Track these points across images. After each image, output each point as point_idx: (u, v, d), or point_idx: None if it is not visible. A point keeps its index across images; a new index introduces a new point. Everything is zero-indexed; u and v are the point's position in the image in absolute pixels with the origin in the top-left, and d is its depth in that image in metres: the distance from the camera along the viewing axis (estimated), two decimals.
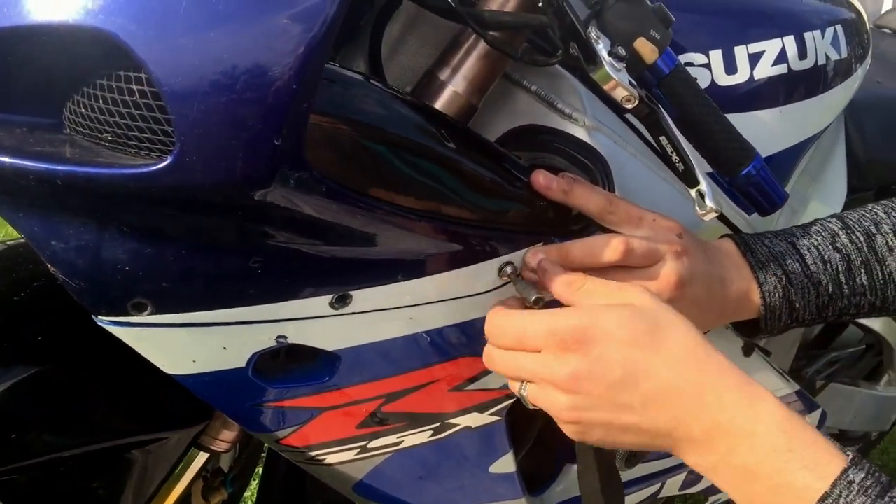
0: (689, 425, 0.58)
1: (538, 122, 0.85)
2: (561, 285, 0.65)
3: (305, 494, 1.17)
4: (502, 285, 0.71)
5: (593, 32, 0.69)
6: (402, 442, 0.78)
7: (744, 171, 0.77)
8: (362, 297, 0.65)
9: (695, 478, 1.10)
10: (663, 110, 0.73)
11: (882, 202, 0.88)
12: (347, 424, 0.74)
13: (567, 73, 0.81)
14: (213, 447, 0.83)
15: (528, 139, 0.84)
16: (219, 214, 0.56)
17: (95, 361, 0.73)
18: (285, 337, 0.64)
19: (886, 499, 0.52)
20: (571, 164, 0.83)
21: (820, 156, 1.26)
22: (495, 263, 0.70)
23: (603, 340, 0.59)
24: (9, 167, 0.53)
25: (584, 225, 0.77)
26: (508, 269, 0.70)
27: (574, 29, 0.68)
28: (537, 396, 0.63)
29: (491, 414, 0.80)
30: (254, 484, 1.57)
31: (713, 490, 1.17)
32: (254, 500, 1.61)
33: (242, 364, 0.65)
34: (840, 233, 0.82)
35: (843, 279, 0.79)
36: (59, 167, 0.54)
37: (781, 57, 0.93)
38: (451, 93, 0.73)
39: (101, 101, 0.56)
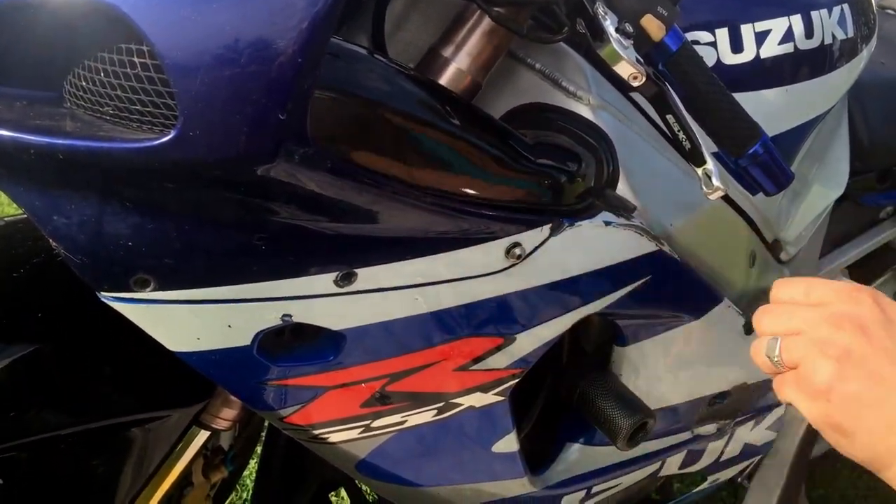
0: None
1: (542, 101, 0.84)
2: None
3: (305, 473, 1.18)
4: (510, 266, 0.70)
5: (600, 8, 0.68)
6: (405, 421, 0.77)
7: (750, 151, 0.76)
8: (367, 276, 0.65)
9: (694, 457, 1.10)
10: (670, 88, 0.72)
11: None
12: (351, 403, 0.73)
13: (572, 51, 0.80)
14: (214, 425, 0.83)
15: (532, 117, 0.84)
16: (222, 190, 0.56)
17: (96, 338, 0.73)
18: (290, 315, 0.64)
19: None
20: (576, 143, 0.82)
21: (823, 138, 1.25)
22: (503, 243, 0.69)
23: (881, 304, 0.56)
24: (9, 141, 0.53)
25: (588, 203, 0.77)
26: (517, 251, 0.70)
27: (581, 5, 0.67)
28: (797, 343, 0.57)
29: (495, 394, 0.80)
30: (252, 464, 1.58)
31: (711, 469, 1.17)
32: (252, 479, 1.61)
33: (247, 342, 0.64)
34: None
35: None
36: (60, 141, 0.53)
37: (788, 36, 0.92)
38: (454, 70, 0.73)
39: (102, 74, 0.55)
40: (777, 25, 0.92)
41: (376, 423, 0.76)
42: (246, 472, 1.63)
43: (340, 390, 0.72)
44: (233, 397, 0.83)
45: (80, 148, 0.53)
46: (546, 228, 0.71)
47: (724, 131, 0.76)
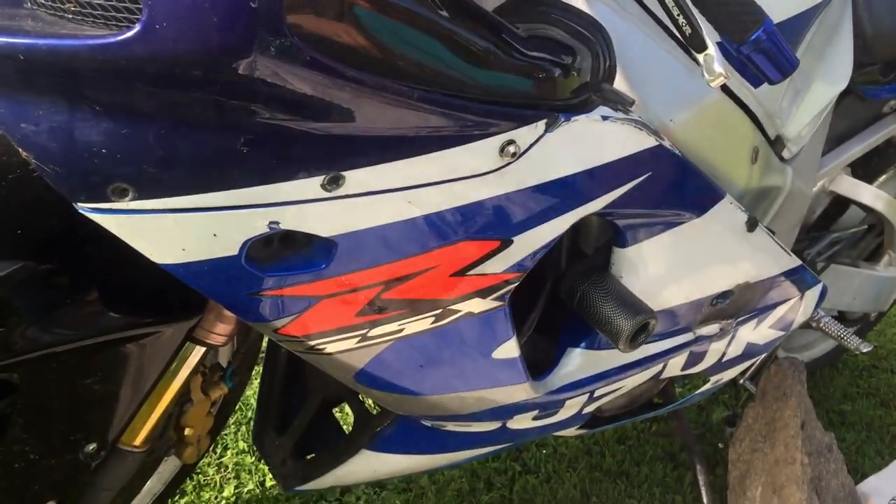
0: None
1: None
2: None
3: (306, 390, 1.17)
4: (504, 165, 0.68)
5: None
6: (403, 329, 0.76)
7: (753, 36, 0.73)
8: (356, 179, 0.62)
9: (696, 358, 1.09)
10: None
11: None
12: (347, 312, 0.71)
13: None
14: (208, 341, 0.82)
15: (524, 10, 0.80)
16: (196, 89, 0.52)
17: (79, 254, 0.71)
18: (278, 223, 0.61)
19: None
20: (570, 36, 0.78)
21: (825, 30, 1.21)
22: (496, 141, 0.66)
23: None
24: None
25: (584, 98, 0.73)
26: (511, 149, 0.67)
27: None
28: None
29: (493, 299, 0.78)
30: (256, 384, 1.58)
31: (713, 370, 1.17)
32: (256, 397, 1.62)
33: (235, 252, 0.62)
34: None
35: None
36: (20, 40, 0.50)
37: None
38: None
39: None
40: None
41: (373, 332, 0.75)
42: (249, 392, 1.64)
43: (334, 299, 0.70)
44: (226, 312, 0.81)
45: (40, 47, 0.50)
46: (541, 124, 0.68)
47: (725, 16, 0.73)
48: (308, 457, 1.17)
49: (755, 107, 0.98)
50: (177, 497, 1.41)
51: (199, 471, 1.48)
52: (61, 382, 0.75)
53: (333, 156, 0.60)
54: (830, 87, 1.22)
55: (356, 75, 0.56)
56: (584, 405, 1.04)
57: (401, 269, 0.70)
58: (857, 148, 1.48)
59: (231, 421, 1.62)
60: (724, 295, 1.02)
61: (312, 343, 0.74)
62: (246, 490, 1.46)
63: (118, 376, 0.78)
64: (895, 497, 1.46)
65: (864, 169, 1.58)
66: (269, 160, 0.58)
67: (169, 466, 1.16)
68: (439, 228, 0.69)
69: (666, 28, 0.87)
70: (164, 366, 0.81)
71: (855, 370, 2.10)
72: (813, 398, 1.57)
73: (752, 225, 0.95)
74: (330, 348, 0.75)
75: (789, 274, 1.08)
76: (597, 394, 1.02)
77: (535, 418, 1.02)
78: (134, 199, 0.57)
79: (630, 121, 0.75)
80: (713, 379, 1.21)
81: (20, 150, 0.55)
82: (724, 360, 1.14)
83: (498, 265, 0.75)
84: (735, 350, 1.14)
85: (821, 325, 1.45)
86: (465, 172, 0.67)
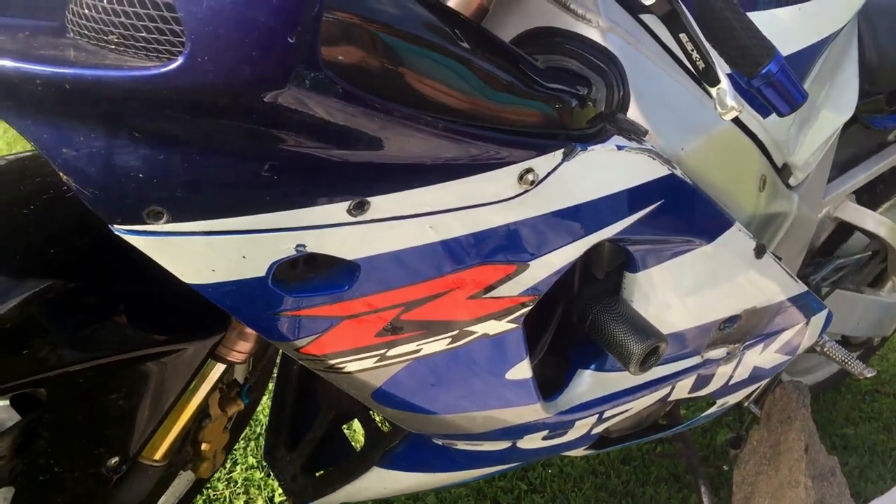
0: None
1: (551, 24, 0.82)
2: None
3: (317, 407, 1.19)
4: (522, 192, 0.70)
5: None
6: (420, 350, 0.78)
7: (764, 70, 0.75)
8: (380, 204, 0.64)
9: (704, 381, 1.11)
10: (683, 6, 0.71)
11: None
12: (366, 333, 0.73)
13: None
14: (229, 358, 0.84)
15: (540, 42, 0.82)
16: (232, 118, 0.55)
17: (109, 273, 0.73)
18: (304, 245, 0.63)
19: None
20: (585, 67, 0.81)
21: (832, 59, 1.23)
22: (515, 170, 0.68)
23: None
24: (13, 72, 0.52)
25: (599, 127, 0.76)
26: (529, 177, 0.69)
27: None
28: None
29: (508, 321, 0.80)
30: (265, 399, 1.60)
31: (720, 393, 1.18)
32: (265, 414, 1.64)
33: (262, 273, 0.64)
34: None
35: None
36: (67, 70, 0.52)
37: None
38: None
39: (105, 2, 0.54)
40: None
41: (391, 353, 0.77)
42: (259, 408, 1.66)
43: (355, 320, 0.72)
44: (247, 330, 0.83)
45: (86, 77, 0.52)
46: (559, 153, 0.71)
47: (737, 51, 0.75)
48: (318, 473, 1.19)
49: (763, 136, 1.00)
50: None
51: (209, 486, 1.50)
52: (87, 398, 0.77)
53: (360, 182, 0.63)
54: (837, 116, 1.25)
55: (385, 106, 0.58)
56: (593, 426, 1.06)
57: (420, 292, 0.72)
58: (861, 175, 1.50)
59: (240, 437, 1.63)
60: (731, 320, 1.03)
61: (332, 362, 0.76)
62: None
63: (142, 392, 0.80)
64: None
65: (869, 196, 1.61)
66: (299, 186, 0.60)
67: (183, 481, 1.17)
68: (459, 253, 0.71)
69: (678, 59, 0.89)
70: (186, 382, 0.83)
71: (858, 394, 2.11)
72: (816, 422, 1.59)
73: (760, 252, 0.97)
74: (349, 367, 0.77)
75: (795, 300, 1.10)
76: (606, 415, 1.04)
77: (544, 438, 1.04)
78: (168, 221, 0.59)
79: (644, 150, 0.77)
80: (719, 402, 1.23)
81: (60, 173, 0.57)
82: (731, 383, 1.16)
83: (514, 288, 0.77)
84: (742, 373, 1.16)
85: (825, 349, 1.46)
86: (485, 199, 0.69)
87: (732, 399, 1.25)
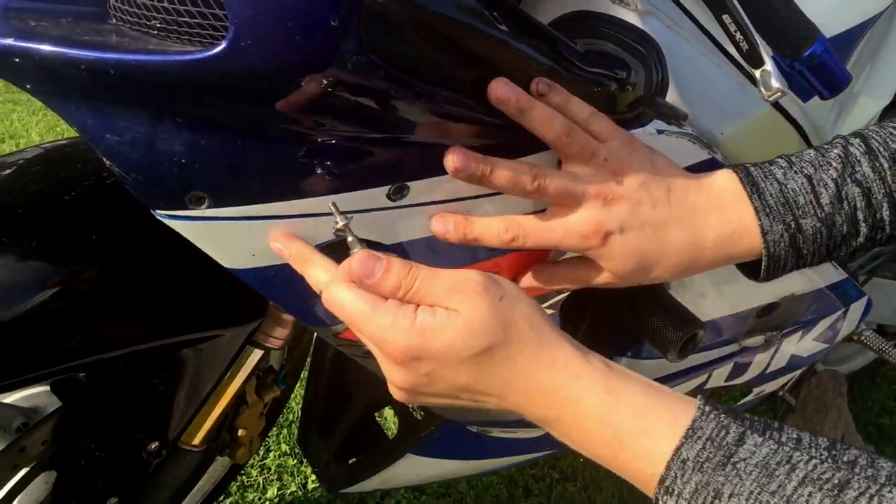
0: (530, 413, 0.59)
1: (588, 8, 0.81)
2: (391, 289, 0.59)
3: (350, 394, 1.19)
4: None
5: None
6: None
7: (807, 53, 0.74)
8: (420, 189, 0.64)
9: (740, 369, 1.10)
10: None
11: None
12: None
13: None
14: (266, 344, 0.84)
15: (577, 26, 0.81)
16: (274, 102, 0.55)
17: (149, 259, 0.73)
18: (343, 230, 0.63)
19: (728, 467, 0.49)
20: (623, 51, 0.80)
21: (873, 43, 1.21)
22: (555, 154, 0.68)
23: (432, 363, 0.57)
24: (59, 57, 0.52)
25: (639, 112, 0.75)
26: None
27: None
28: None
29: (546, 307, 0.79)
30: (296, 389, 1.61)
31: (756, 381, 1.17)
32: (297, 403, 1.65)
33: None
34: (862, 159, 0.69)
35: (860, 216, 0.69)
36: (111, 55, 0.52)
37: None
38: None
39: None
40: None
41: None
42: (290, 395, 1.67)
43: None
44: (284, 316, 0.84)
45: (131, 62, 0.52)
46: None
47: (779, 32, 0.74)
48: (351, 460, 1.20)
49: (803, 121, 0.99)
50: (221, 497, 1.44)
51: (242, 472, 1.51)
52: (127, 383, 0.78)
53: (400, 167, 0.62)
54: (875, 101, 1.22)
55: (426, 90, 0.58)
56: None
57: None
58: None
59: (275, 423, 1.65)
60: (769, 307, 1.02)
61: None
62: (289, 492, 1.48)
63: (181, 378, 0.80)
64: None
65: None
66: (339, 171, 0.60)
67: (218, 466, 1.19)
68: None
69: (716, 42, 0.88)
70: (224, 368, 0.84)
71: (893, 383, 2.09)
72: (851, 411, 1.57)
73: None
74: None
75: (835, 287, 1.09)
76: None
77: None
78: (210, 206, 0.59)
79: (684, 134, 0.76)
80: (756, 390, 1.22)
81: (104, 159, 0.57)
82: (768, 371, 1.15)
83: None
84: (779, 362, 1.14)
85: (862, 338, 1.44)
86: None
87: (769, 388, 1.24)
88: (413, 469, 1.11)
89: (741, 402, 1.29)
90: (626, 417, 0.54)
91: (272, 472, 1.52)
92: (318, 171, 0.60)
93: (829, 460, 0.49)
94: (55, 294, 0.68)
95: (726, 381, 1.10)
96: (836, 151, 0.70)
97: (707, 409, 0.52)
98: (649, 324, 0.88)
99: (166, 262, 0.73)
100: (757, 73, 0.70)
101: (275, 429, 1.64)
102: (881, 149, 0.70)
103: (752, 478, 0.48)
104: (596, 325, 0.95)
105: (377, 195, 0.63)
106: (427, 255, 0.69)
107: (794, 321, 1.09)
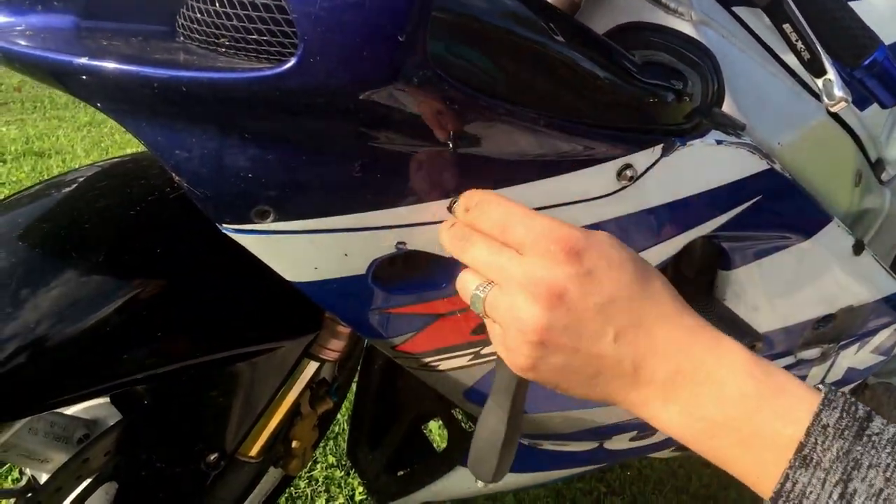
0: (654, 367, 0.53)
1: (642, 19, 0.81)
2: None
3: (398, 407, 1.20)
4: (621, 188, 0.69)
5: None
6: None
7: (867, 61, 0.73)
8: None
9: None
10: None
11: None
12: (462, 330, 0.73)
13: None
14: (322, 356, 0.85)
15: (631, 37, 0.81)
16: (341, 117, 0.55)
17: (210, 273, 0.74)
18: (405, 243, 0.64)
19: (864, 438, 0.47)
20: (679, 61, 0.79)
21: None
22: (614, 165, 0.68)
23: (598, 257, 0.54)
24: (133, 75, 0.53)
25: (696, 122, 0.74)
26: (628, 172, 0.68)
27: None
28: (498, 304, 0.55)
29: None
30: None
31: None
32: (343, 415, 1.66)
33: (363, 271, 0.65)
34: None
35: None
36: (184, 73, 0.53)
37: None
38: None
39: (217, 5, 0.55)
40: None
41: (485, 350, 0.77)
42: None
43: (451, 318, 0.72)
44: (340, 328, 0.84)
45: (202, 80, 0.53)
46: (658, 148, 0.70)
47: (838, 41, 0.73)
48: (400, 472, 1.20)
49: (860, 130, 0.97)
50: None
51: (291, 484, 1.52)
52: (187, 396, 0.78)
53: (462, 180, 0.63)
54: None
55: (490, 103, 0.58)
56: None
57: None
58: None
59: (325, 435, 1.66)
60: (826, 319, 1.01)
61: (427, 360, 0.76)
62: (336, 503, 1.49)
63: (240, 389, 0.81)
64: None
65: None
66: (402, 184, 0.61)
67: (270, 478, 1.19)
68: None
69: (772, 51, 0.87)
70: (282, 380, 0.85)
71: None
72: None
73: (858, 248, 0.94)
74: (443, 366, 0.77)
75: (891, 298, 1.07)
76: None
77: (632, 439, 1.02)
78: (275, 220, 0.60)
79: (743, 144, 0.75)
80: None
81: (173, 174, 0.58)
82: (824, 384, 1.13)
83: None
84: (835, 374, 1.12)
85: None
86: (584, 195, 0.68)
87: None
88: (464, 482, 1.11)
89: None
90: (770, 372, 0.51)
91: (320, 483, 1.53)
92: (380, 185, 0.60)
93: None
94: (119, 308, 0.69)
95: None
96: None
97: (832, 387, 0.51)
98: None
99: (226, 275, 0.74)
100: (819, 83, 0.69)
101: (322, 441, 1.64)
102: None
103: (887, 451, 0.47)
104: None
105: (438, 208, 0.63)
106: None
107: (851, 333, 1.07)
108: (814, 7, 0.71)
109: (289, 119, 0.55)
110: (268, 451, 0.91)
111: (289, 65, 0.51)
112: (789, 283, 0.92)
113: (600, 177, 0.68)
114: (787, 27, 0.69)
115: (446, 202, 0.63)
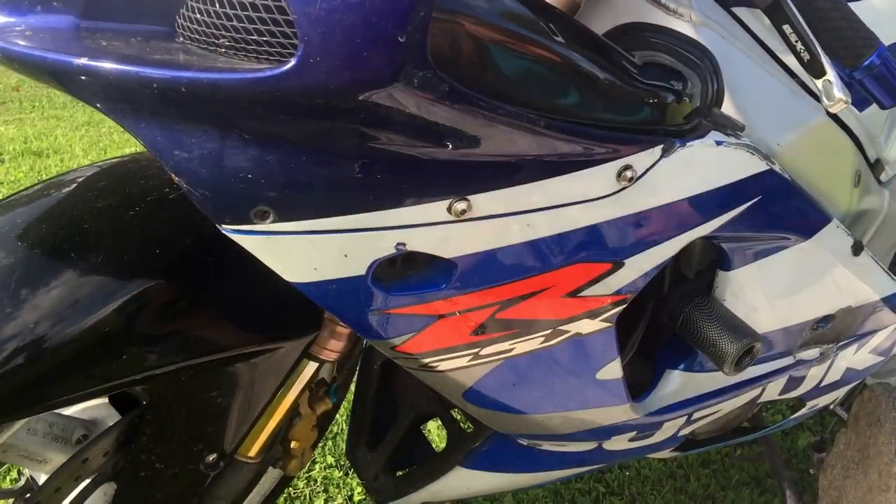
0: None
1: (641, 20, 0.81)
2: None
3: (397, 407, 1.19)
4: (621, 189, 0.69)
5: None
6: (513, 349, 0.77)
7: (867, 62, 0.73)
8: (480, 203, 0.64)
9: (795, 382, 1.08)
10: None
11: None
12: (461, 331, 0.73)
13: None
14: (321, 357, 0.84)
15: (631, 38, 0.81)
16: (341, 118, 0.55)
17: (208, 274, 0.74)
18: (404, 244, 0.64)
19: None
20: (679, 62, 0.79)
21: None
22: (614, 166, 0.68)
23: None
24: (133, 76, 0.53)
25: (696, 123, 0.74)
26: (628, 173, 0.68)
27: None
28: None
29: (601, 320, 0.79)
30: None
31: (810, 395, 1.15)
32: (342, 415, 1.65)
33: (362, 272, 0.65)
34: None
35: None
36: (184, 74, 0.53)
37: None
38: None
39: (217, 6, 0.55)
40: None
41: (485, 351, 0.77)
42: None
43: (451, 318, 0.72)
44: (339, 329, 0.84)
45: (202, 80, 0.53)
46: (657, 149, 0.70)
47: (838, 42, 0.73)
48: (399, 473, 1.19)
49: (859, 130, 0.98)
50: None
51: (289, 485, 1.51)
52: (186, 396, 0.78)
53: (461, 181, 0.63)
54: None
55: (490, 104, 0.58)
56: (681, 427, 1.04)
57: (516, 290, 0.72)
58: None
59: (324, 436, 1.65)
60: (825, 319, 1.01)
61: (426, 360, 0.76)
62: (335, 503, 1.49)
63: (239, 390, 0.81)
64: None
65: None
66: (401, 185, 0.61)
67: (269, 478, 1.19)
68: (556, 251, 0.71)
69: (771, 52, 0.87)
70: (281, 381, 0.84)
71: None
72: None
73: (857, 249, 0.94)
74: (442, 366, 0.77)
75: (890, 299, 1.07)
76: (695, 416, 1.02)
77: (631, 440, 1.02)
78: (274, 221, 0.60)
79: (742, 145, 0.76)
80: (809, 404, 1.20)
81: (173, 175, 0.58)
82: (823, 384, 1.13)
83: (609, 287, 0.76)
84: (834, 375, 1.13)
85: None
86: (584, 196, 0.68)
87: (822, 401, 1.22)
88: (462, 482, 1.11)
89: (795, 415, 1.27)
90: None
91: (318, 483, 1.53)
92: (381, 186, 0.60)
93: None
94: (118, 308, 0.69)
95: (780, 394, 1.08)
96: None
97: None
98: (705, 336, 0.87)
99: (225, 277, 0.74)
100: (818, 84, 0.70)
101: (320, 441, 1.64)
102: None
103: None
104: (650, 338, 0.94)
105: (438, 209, 0.63)
106: (487, 268, 0.69)
107: (850, 334, 1.07)
108: (813, 8, 0.72)
109: (289, 119, 0.55)
110: (267, 451, 0.91)
111: (289, 65, 0.51)
112: (789, 284, 0.92)
113: (600, 177, 0.68)
114: (786, 28, 0.69)
115: (446, 203, 0.63)
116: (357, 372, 1.18)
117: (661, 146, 0.69)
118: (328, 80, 0.52)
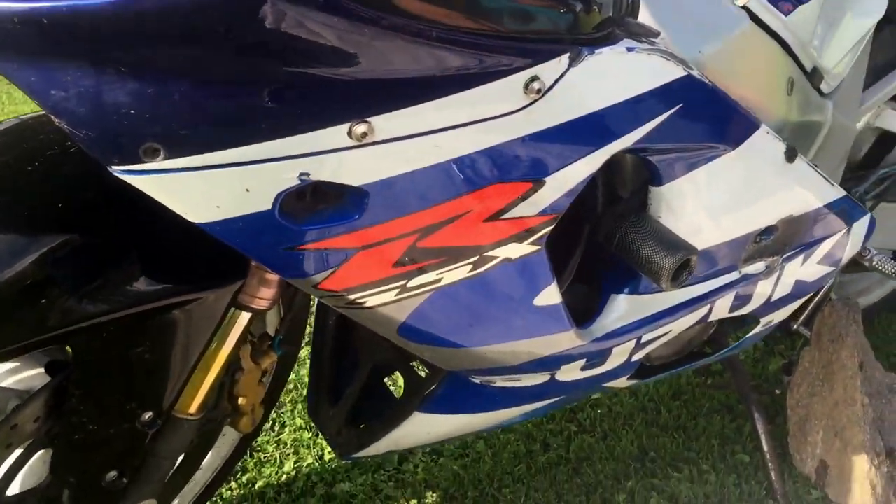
0: None
1: None
2: None
3: (356, 358, 1.18)
4: (530, 104, 0.67)
5: None
6: (441, 279, 0.76)
7: None
8: (382, 125, 0.62)
9: (743, 299, 1.07)
10: None
11: None
12: (383, 264, 0.72)
13: None
14: (252, 305, 0.83)
15: None
16: (215, 42, 0.53)
17: (120, 224, 0.72)
18: (308, 174, 0.62)
19: None
20: None
21: None
22: (520, 78, 0.66)
23: None
24: None
25: (608, 31, 0.73)
26: (535, 85, 0.66)
27: None
28: None
29: (529, 244, 0.78)
30: (305, 354, 1.60)
31: (762, 311, 1.14)
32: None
33: (268, 206, 0.63)
34: None
35: None
36: (43, 4, 0.51)
37: None
38: None
39: None
40: None
41: (412, 283, 0.75)
42: (304, 371, 1.67)
43: (370, 251, 0.70)
44: (268, 276, 0.82)
45: (62, 9, 0.51)
46: (564, 59, 0.68)
47: None
48: (361, 425, 1.19)
49: (787, 36, 0.96)
50: (238, 474, 1.44)
51: (258, 448, 1.51)
52: (112, 353, 0.77)
53: (357, 102, 0.61)
54: (866, 18, 1.19)
55: (373, 15, 0.56)
56: (633, 352, 1.03)
57: (434, 216, 0.70)
58: None
59: (287, 399, 1.65)
60: (767, 231, 1.00)
61: (352, 297, 0.74)
62: (305, 464, 1.48)
63: (167, 344, 0.79)
64: None
65: None
66: (294, 110, 0.59)
67: (227, 441, 1.18)
68: (469, 172, 0.69)
69: None
70: (212, 333, 0.83)
71: None
72: (872, 344, 1.54)
73: (791, 155, 0.93)
74: (370, 302, 0.75)
75: (834, 205, 1.06)
76: (644, 339, 1.01)
77: (582, 368, 1.02)
78: (165, 158, 0.58)
79: (656, 51, 0.74)
80: (763, 321, 1.19)
81: (52, 116, 0.56)
82: (773, 299, 1.12)
83: (532, 207, 0.75)
84: (783, 289, 1.12)
85: (873, 262, 1.41)
86: (492, 113, 0.66)
87: (777, 317, 1.21)
88: (422, 428, 1.10)
89: (751, 333, 1.27)
90: None
91: (288, 446, 1.52)
92: (271, 113, 0.58)
93: None
94: (31, 265, 0.68)
95: (730, 311, 1.08)
96: None
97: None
98: (640, 254, 0.86)
99: (138, 225, 0.73)
100: None
101: (289, 404, 1.64)
102: None
103: None
104: (588, 261, 0.93)
105: (337, 134, 0.61)
106: (400, 195, 0.68)
107: (795, 244, 1.06)
108: None
109: (160, 46, 0.53)
110: (211, 407, 0.90)
111: None
112: (724, 196, 0.91)
113: (507, 91, 0.66)
114: None
115: (345, 127, 0.61)
116: (313, 327, 1.17)
117: (568, 55, 0.68)
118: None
